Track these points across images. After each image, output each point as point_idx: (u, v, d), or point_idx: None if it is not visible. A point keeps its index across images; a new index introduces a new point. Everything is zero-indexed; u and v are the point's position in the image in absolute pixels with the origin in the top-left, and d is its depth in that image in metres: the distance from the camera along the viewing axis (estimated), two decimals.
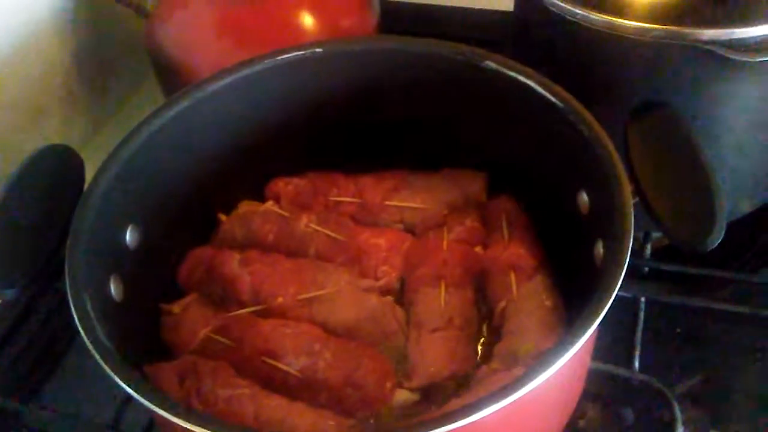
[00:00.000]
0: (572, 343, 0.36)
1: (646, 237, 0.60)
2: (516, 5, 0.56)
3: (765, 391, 0.55)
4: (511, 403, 0.35)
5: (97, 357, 0.38)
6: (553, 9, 0.50)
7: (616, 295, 0.59)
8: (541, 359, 0.36)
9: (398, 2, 0.77)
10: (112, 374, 0.37)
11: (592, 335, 0.41)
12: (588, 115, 0.47)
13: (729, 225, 0.60)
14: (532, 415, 0.41)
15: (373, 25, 0.70)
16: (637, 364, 0.56)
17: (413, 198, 0.60)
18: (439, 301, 0.54)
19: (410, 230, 0.59)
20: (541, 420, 0.43)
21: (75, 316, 0.40)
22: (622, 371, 0.55)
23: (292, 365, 0.50)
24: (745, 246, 0.63)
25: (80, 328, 0.39)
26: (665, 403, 0.53)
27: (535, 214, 0.57)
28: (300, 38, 0.65)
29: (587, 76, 0.51)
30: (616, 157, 0.45)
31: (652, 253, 0.63)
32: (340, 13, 0.69)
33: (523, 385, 0.35)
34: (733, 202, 0.60)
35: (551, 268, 0.54)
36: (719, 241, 0.42)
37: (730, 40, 0.45)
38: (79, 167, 0.50)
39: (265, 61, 0.55)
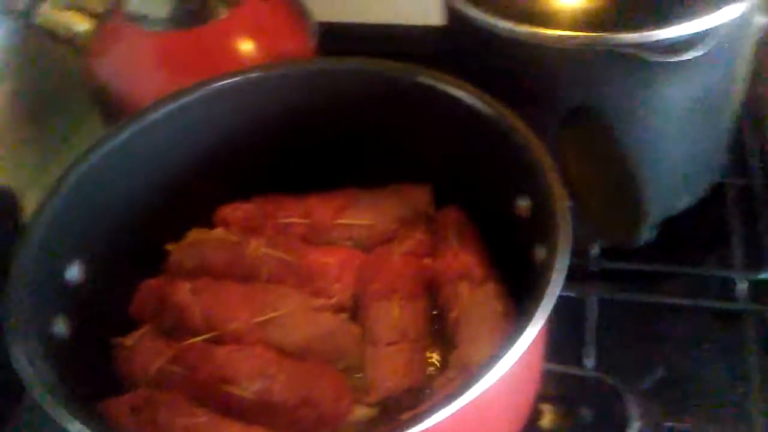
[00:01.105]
0: (509, 350, 0.37)
1: (594, 237, 0.61)
2: (445, 19, 0.57)
3: (715, 382, 0.57)
4: (456, 412, 0.36)
5: (36, 397, 0.38)
6: (478, 22, 0.51)
7: (565, 296, 0.61)
8: (480, 368, 0.37)
9: (337, 23, 0.78)
10: (53, 414, 0.37)
11: (539, 338, 0.42)
12: (520, 124, 0.48)
13: (673, 219, 0.63)
14: (484, 421, 0.42)
15: (312, 47, 0.70)
16: (591, 363, 0.57)
17: (362, 215, 0.60)
18: (392, 315, 0.54)
19: (361, 247, 0.60)
20: (493, 425, 0.44)
21: (12, 358, 0.40)
22: (576, 371, 0.56)
23: (248, 389, 0.50)
24: (689, 239, 0.65)
25: (18, 371, 0.39)
26: (619, 400, 0.54)
27: (483, 222, 0.58)
28: (239, 64, 0.65)
29: (518, 86, 0.52)
30: (549, 164, 0.46)
31: (603, 252, 0.64)
32: (278, 37, 0.69)
33: (462, 394, 0.35)
34: (672, 198, 0.62)
35: (501, 275, 0.55)
36: (647, 238, 0.43)
37: (649, 42, 0.47)
38: (12, 205, 0.50)
39: (201, 89, 0.56)
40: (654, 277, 0.63)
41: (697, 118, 0.56)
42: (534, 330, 0.38)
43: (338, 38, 0.73)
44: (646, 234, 0.43)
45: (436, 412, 0.36)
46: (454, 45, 0.58)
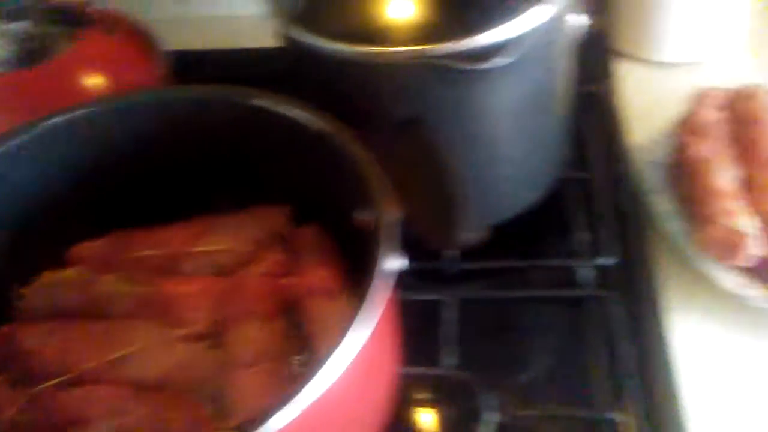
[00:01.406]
0: (328, 361, 0.38)
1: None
2: (280, 41, 0.59)
3: (566, 366, 0.60)
4: (290, 423, 0.37)
5: None
6: (305, 44, 0.53)
7: (424, 300, 0.63)
8: (305, 377, 0.38)
9: (190, 51, 0.78)
10: None
11: (376, 343, 0.43)
12: (351, 139, 0.50)
13: (522, 216, 0.66)
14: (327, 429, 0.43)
15: (162, 76, 0.70)
16: (452, 362, 0.59)
17: (219, 241, 0.61)
18: (250, 338, 0.55)
19: (221, 272, 0.60)
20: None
21: None
22: (436, 371, 0.58)
23: (104, 429, 0.49)
24: (538, 233, 0.68)
25: None
26: (479, 395, 0.56)
27: (340, 237, 0.60)
28: (85, 98, 0.64)
29: (350, 102, 0.54)
30: (377, 176, 0.48)
31: (461, 254, 0.67)
32: (125, 68, 0.69)
33: (284, 406, 0.36)
34: (516, 196, 0.65)
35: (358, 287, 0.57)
36: (466, 242, 0.45)
37: (462, 51, 0.49)
38: None
39: (37, 126, 0.55)
40: (509, 272, 0.66)
41: (527, 119, 0.59)
42: (358, 336, 0.40)
43: (191, 66, 0.74)
44: (464, 240, 0.46)
45: (265, 422, 0.37)
46: (292, 66, 0.59)
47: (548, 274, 0.66)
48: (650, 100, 0.79)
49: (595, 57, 0.87)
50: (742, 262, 0.57)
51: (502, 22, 0.50)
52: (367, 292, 0.41)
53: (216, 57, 0.82)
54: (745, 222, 0.58)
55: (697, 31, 0.81)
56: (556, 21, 0.56)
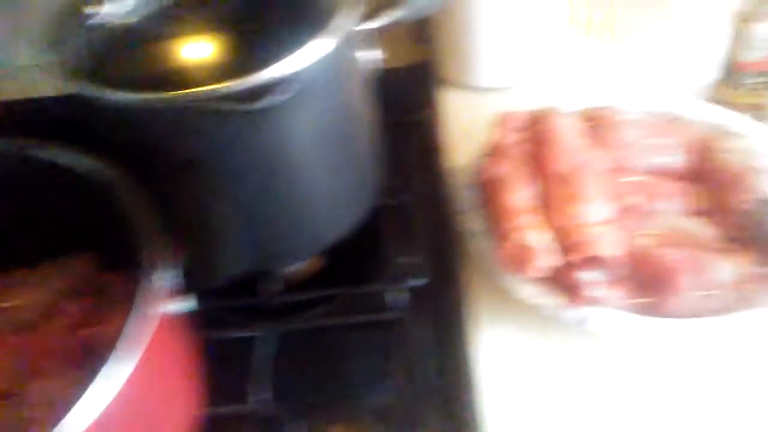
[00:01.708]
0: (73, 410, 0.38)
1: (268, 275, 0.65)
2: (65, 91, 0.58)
3: (376, 388, 0.61)
4: None
5: None
6: (85, 94, 0.53)
7: (240, 336, 0.63)
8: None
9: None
10: None
11: (143, 386, 0.44)
12: (126, 185, 0.51)
13: (341, 245, 0.67)
14: None
15: None
16: (266, 396, 0.59)
17: (19, 295, 0.60)
18: (50, 392, 0.54)
19: (22, 327, 0.59)
20: None
21: None
22: (250, 407, 0.58)
23: None
24: (356, 260, 0.70)
25: None
26: (291, 426, 0.57)
27: None
28: None
29: (134, 147, 0.54)
30: (151, 220, 0.48)
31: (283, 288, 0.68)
32: None
33: None
34: (329, 229, 0.65)
35: None
36: (225, 280, 0.46)
37: (231, 93, 0.50)
38: None
39: None
40: (330, 301, 0.68)
41: (323, 153, 0.60)
42: (112, 380, 0.40)
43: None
44: (221, 280, 0.47)
45: None
46: (79, 114, 0.58)
47: (365, 299, 0.67)
48: (469, 124, 0.83)
49: (422, 86, 0.91)
50: (532, 274, 0.60)
51: (274, 62, 0.52)
52: (119, 338, 0.41)
53: (12, 108, 0.81)
54: (534, 236, 0.61)
55: (510, 58, 0.86)
56: (339, 57, 0.58)
